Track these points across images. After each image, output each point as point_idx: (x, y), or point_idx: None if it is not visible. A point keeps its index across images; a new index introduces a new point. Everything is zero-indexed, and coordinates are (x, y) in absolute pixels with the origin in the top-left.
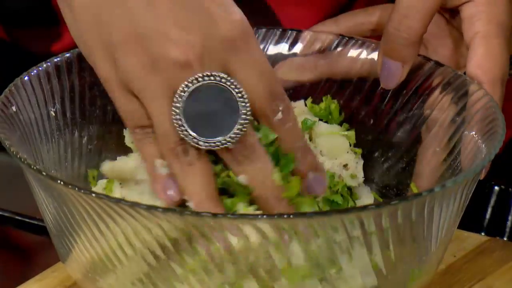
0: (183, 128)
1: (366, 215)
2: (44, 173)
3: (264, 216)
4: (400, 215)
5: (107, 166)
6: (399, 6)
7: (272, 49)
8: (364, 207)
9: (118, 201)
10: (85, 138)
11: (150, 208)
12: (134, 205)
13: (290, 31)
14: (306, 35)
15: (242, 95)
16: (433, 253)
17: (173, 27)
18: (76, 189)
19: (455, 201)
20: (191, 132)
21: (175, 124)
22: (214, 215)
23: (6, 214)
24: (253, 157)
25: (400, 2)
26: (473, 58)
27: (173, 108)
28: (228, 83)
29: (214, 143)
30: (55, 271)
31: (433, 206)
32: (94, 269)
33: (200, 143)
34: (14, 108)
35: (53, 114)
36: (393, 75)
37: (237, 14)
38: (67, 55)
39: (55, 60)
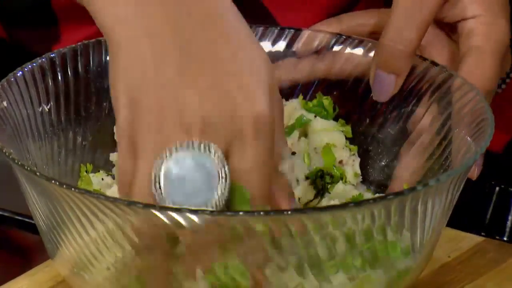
0: (157, 186)
1: (347, 214)
2: (28, 168)
3: (241, 213)
4: (381, 213)
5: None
6: (394, 17)
7: (270, 48)
8: (344, 205)
9: (98, 196)
10: (80, 134)
11: (131, 203)
12: (115, 200)
13: (288, 30)
14: (304, 33)
15: (226, 178)
16: (418, 252)
17: (194, 96)
18: (58, 183)
19: (440, 201)
20: (162, 193)
21: (152, 178)
22: (194, 211)
23: (5, 214)
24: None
25: (396, 13)
26: (464, 66)
27: (155, 165)
28: (219, 164)
29: None
30: (47, 266)
31: (416, 205)
32: (80, 265)
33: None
34: (5, 103)
35: (47, 111)
36: (387, 88)
37: (261, 105)
38: (62, 51)
39: (50, 55)
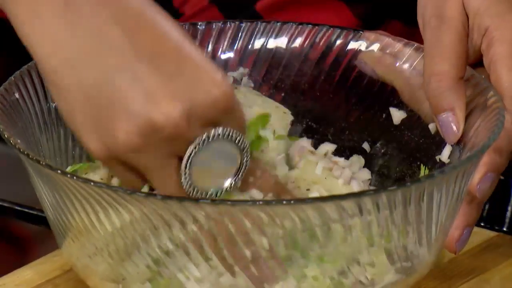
0: (190, 188)
1: (364, 201)
2: (34, 157)
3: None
4: (398, 201)
5: None
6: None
7: (272, 43)
8: (362, 193)
9: (100, 185)
10: None
11: (133, 192)
12: (132, 193)
13: (290, 24)
14: (306, 28)
15: (244, 144)
16: (432, 243)
17: (161, 97)
18: (73, 177)
19: (447, 193)
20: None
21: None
22: (213, 201)
23: (5, 204)
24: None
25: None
26: (493, 74)
27: (182, 180)
28: (230, 136)
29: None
30: (56, 255)
31: (432, 192)
32: (89, 255)
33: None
34: (17, 95)
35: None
36: (451, 129)
37: (219, 75)
38: None
39: None
